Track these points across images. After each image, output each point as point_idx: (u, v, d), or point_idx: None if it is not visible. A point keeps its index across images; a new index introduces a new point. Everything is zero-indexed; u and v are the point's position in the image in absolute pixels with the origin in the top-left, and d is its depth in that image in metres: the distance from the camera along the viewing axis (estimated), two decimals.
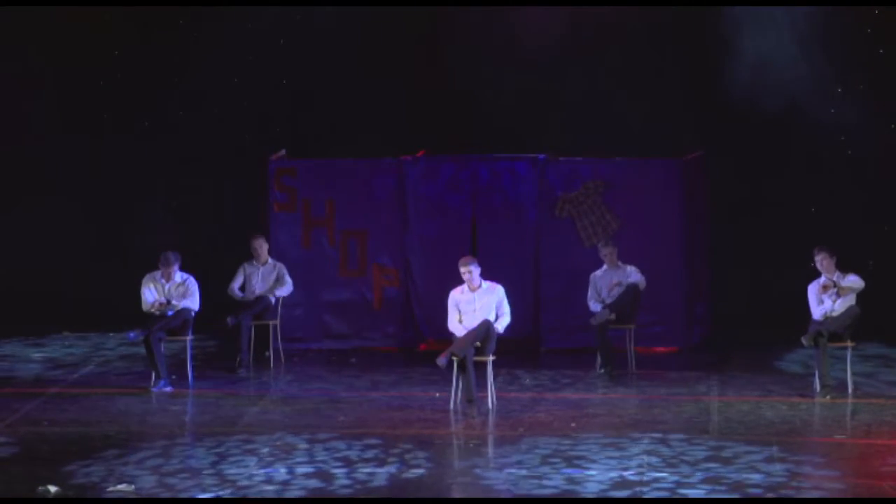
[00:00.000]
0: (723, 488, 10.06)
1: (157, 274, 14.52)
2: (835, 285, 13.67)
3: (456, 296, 13.25)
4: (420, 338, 16.64)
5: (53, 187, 18.13)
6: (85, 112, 18.10)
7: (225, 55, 18.06)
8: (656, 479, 10.29)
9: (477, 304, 13.16)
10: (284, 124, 18.19)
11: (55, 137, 18.06)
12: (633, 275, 15.08)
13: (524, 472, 10.58)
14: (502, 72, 17.69)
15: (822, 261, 13.81)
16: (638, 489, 10.06)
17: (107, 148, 18.10)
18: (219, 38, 17.92)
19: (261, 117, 18.21)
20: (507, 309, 13.27)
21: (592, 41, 17.62)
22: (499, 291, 13.29)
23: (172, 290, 14.46)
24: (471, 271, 13.16)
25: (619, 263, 15.17)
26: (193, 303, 14.49)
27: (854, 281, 13.69)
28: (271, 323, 15.65)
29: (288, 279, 15.66)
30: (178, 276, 14.54)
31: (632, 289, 14.95)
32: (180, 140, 17.96)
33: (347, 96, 17.97)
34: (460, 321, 13.13)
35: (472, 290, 13.20)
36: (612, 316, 14.78)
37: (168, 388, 13.98)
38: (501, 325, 13.19)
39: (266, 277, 15.62)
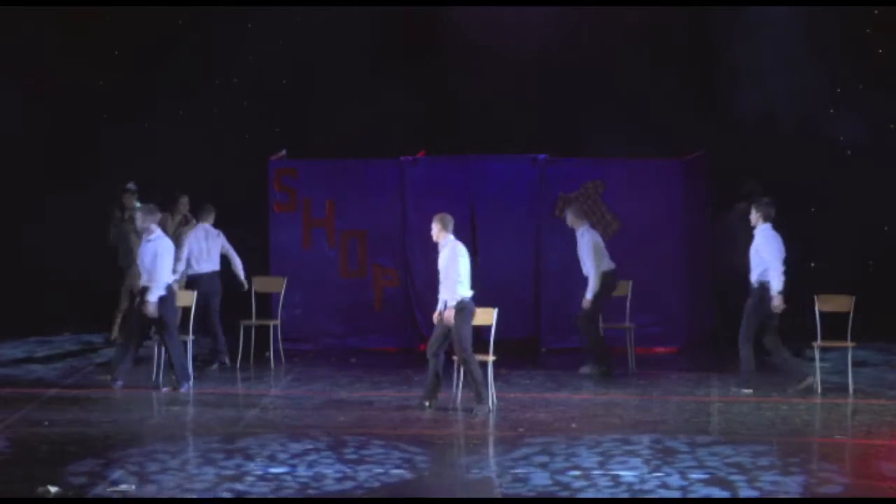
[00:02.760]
0: (722, 488, 10.06)
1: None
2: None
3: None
4: (420, 338, 16.64)
5: (52, 188, 18.12)
6: (84, 112, 18.10)
7: (225, 55, 18.06)
8: (656, 480, 10.29)
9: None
10: (284, 124, 18.20)
11: (54, 138, 18.05)
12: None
13: (524, 472, 10.58)
14: (502, 72, 17.70)
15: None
16: (638, 489, 10.07)
17: (106, 148, 18.09)
18: (219, 38, 17.93)
19: (261, 117, 18.22)
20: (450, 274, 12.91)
21: (593, 41, 17.63)
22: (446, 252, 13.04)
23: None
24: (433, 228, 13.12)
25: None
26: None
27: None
28: (272, 323, 15.65)
29: None
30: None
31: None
32: (180, 140, 17.95)
33: (347, 96, 17.98)
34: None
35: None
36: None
37: (165, 389, 13.98)
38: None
39: None
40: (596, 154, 16.74)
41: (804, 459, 11.10)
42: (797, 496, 9.93)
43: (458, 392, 13.14)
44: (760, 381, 13.95)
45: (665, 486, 10.14)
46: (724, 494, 9.93)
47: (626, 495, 9.94)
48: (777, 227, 17.29)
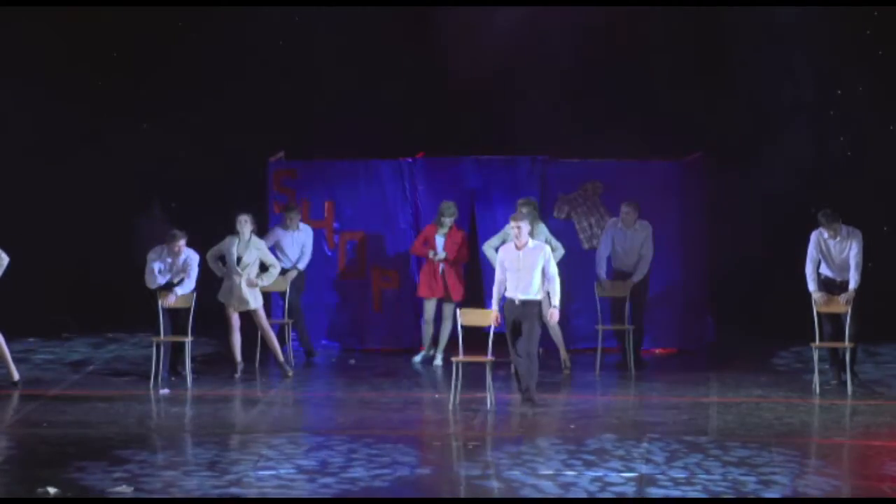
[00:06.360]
0: (722, 489, 10.08)
1: (164, 251, 14.54)
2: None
3: (502, 253, 13.19)
4: (419, 339, 16.63)
5: (51, 188, 18.10)
6: (84, 113, 18.08)
7: (225, 55, 18.06)
8: (655, 480, 10.30)
9: (522, 262, 13.04)
10: (284, 124, 18.20)
11: (53, 138, 18.04)
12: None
13: (523, 472, 10.58)
14: (502, 72, 17.70)
15: None
16: (637, 490, 10.08)
17: (106, 149, 18.08)
18: (219, 38, 17.93)
19: (261, 117, 18.21)
20: (555, 271, 13.12)
21: (592, 42, 17.63)
22: (546, 251, 13.18)
23: (177, 268, 14.49)
24: (520, 227, 13.06)
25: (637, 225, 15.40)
26: (188, 286, 14.49)
27: None
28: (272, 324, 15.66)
29: None
30: (184, 253, 14.55)
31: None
32: (180, 141, 17.94)
33: (347, 96, 17.98)
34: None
35: (519, 247, 13.08)
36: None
37: (165, 391, 14.01)
38: (554, 293, 13.09)
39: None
40: (595, 155, 16.72)
41: (803, 460, 11.11)
42: (796, 497, 9.94)
43: (457, 393, 13.14)
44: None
45: (664, 486, 10.15)
46: (724, 495, 9.94)
47: (625, 496, 9.95)
48: (777, 228, 17.34)
